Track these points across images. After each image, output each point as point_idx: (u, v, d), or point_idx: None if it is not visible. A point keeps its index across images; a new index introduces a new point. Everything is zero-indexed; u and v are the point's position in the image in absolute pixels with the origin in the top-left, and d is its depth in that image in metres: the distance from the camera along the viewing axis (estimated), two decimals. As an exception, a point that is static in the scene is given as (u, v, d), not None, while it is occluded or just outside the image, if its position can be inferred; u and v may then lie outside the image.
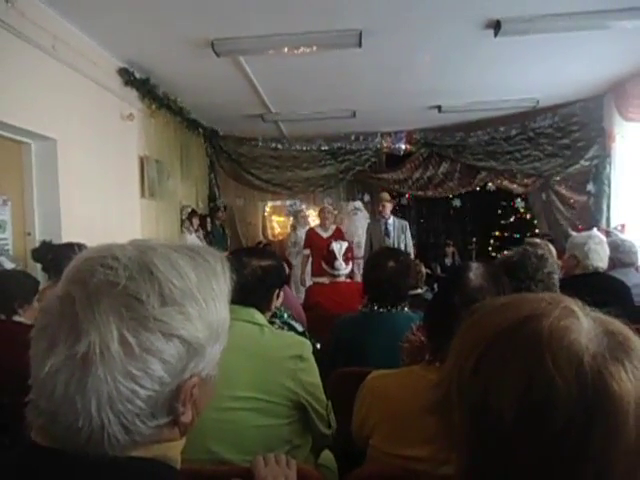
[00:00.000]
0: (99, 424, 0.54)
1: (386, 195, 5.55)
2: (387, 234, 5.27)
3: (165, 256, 0.61)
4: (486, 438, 0.51)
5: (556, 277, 1.88)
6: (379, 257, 2.15)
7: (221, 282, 0.66)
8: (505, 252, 2.12)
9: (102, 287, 0.56)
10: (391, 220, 5.34)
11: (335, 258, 3.61)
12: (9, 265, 2.85)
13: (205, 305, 0.61)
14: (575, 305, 0.55)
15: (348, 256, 3.70)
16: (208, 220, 6.33)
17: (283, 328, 2.25)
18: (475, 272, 1.29)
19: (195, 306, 0.60)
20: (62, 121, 3.49)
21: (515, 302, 0.58)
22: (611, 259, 2.78)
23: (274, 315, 2.36)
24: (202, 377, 0.62)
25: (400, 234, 5.29)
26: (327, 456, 1.67)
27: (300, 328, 2.38)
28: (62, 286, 0.58)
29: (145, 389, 0.56)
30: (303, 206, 7.37)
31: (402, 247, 5.25)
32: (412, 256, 5.30)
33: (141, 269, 0.58)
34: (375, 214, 6.99)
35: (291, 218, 7.36)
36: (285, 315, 2.37)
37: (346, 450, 1.61)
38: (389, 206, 5.39)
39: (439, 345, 1.21)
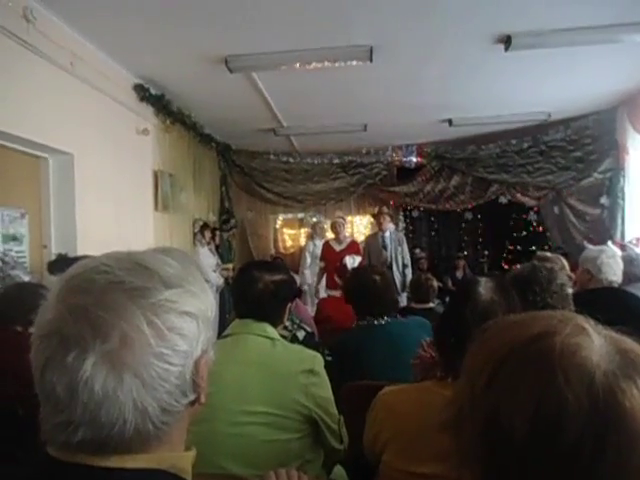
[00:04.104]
0: (142, 411, 0.57)
1: (386, 209, 5.63)
2: (384, 247, 5.28)
3: (147, 254, 0.66)
4: (498, 455, 0.51)
5: (568, 288, 1.87)
6: (364, 273, 2.32)
7: (197, 269, 0.73)
8: (516, 266, 2.15)
9: (108, 287, 0.59)
10: (388, 233, 5.36)
11: (347, 272, 3.62)
12: (23, 278, 2.89)
13: (197, 285, 0.67)
14: (587, 323, 0.55)
15: (360, 271, 3.69)
16: (217, 233, 6.38)
17: (293, 327, 2.32)
18: (485, 286, 1.29)
19: (191, 286, 0.65)
20: (79, 136, 3.56)
21: (527, 320, 0.58)
22: (626, 273, 2.74)
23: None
24: (208, 356, 0.66)
25: (397, 246, 5.30)
26: (339, 471, 1.66)
27: (308, 329, 2.46)
28: (58, 306, 0.58)
29: (175, 366, 0.60)
30: (322, 218, 7.28)
31: (399, 259, 5.25)
32: (409, 267, 5.31)
33: (135, 267, 0.62)
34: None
35: (305, 229, 7.35)
36: (295, 317, 2.45)
37: (358, 465, 1.60)
38: (388, 220, 5.43)
39: (451, 361, 1.21)
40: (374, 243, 5.38)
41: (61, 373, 0.56)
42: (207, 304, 0.67)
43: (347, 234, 5.97)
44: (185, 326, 0.61)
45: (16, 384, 1.58)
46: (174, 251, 0.72)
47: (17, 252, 3.19)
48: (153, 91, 4.53)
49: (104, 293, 0.58)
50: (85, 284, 0.59)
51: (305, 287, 5.62)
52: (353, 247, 5.46)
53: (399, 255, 5.28)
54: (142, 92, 4.40)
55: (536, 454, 0.48)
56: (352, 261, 3.63)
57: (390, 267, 5.18)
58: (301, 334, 2.41)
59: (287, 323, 2.39)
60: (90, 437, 0.57)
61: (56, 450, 0.58)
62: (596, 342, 0.52)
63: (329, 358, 2.27)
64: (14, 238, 3.19)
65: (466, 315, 1.22)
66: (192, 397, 0.63)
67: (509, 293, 1.30)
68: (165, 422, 0.60)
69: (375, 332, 2.09)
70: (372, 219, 6.88)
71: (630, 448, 0.46)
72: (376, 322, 2.11)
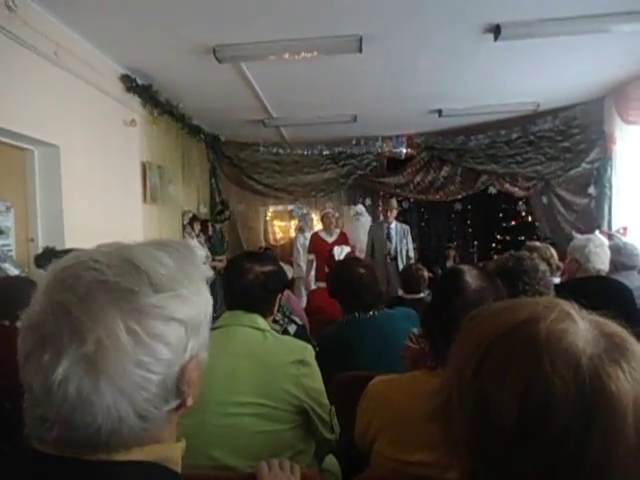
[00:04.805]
0: (117, 417, 0.55)
1: (394, 202, 5.61)
2: (389, 238, 5.30)
3: (141, 249, 0.63)
4: (487, 442, 0.51)
5: (549, 275, 1.93)
6: (348, 266, 2.26)
7: (195, 266, 0.69)
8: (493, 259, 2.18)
9: (93, 287, 0.57)
10: (393, 225, 5.37)
11: (334, 262, 3.62)
12: (14, 271, 2.86)
13: (192, 287, 0.64)
14: (572, 308, 0.56)
15: (349, 262, 3.67)
16: (209, 225, 6.35)
17: (284, 320, 2.32)
18: (470, 274, 1.30)
19: (183, 289, 0.62)
20: (65, 128, 3.50)
21: (512, 306, 0.59)
22: (613, 262, 2.78)
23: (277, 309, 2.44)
24: (198, 360, 0.64)
25: (402, 238, 5.32)
26: (331, 461, 1.67)
27: (299, 322, 2.46)
28: (45, 299, 0.58)
29: (156, 374, 0.58)
30: (310, 209, 7.25)
31: (404, 251, 5.27)
32: (413, 260, 5.34)
33: (125, 264, 0.60)
34: (377, 218, 7.01)
35: (295, 221, 7.33)
36: (285, 309, 2.46)
37: (350, 455, 1.61)
38: (395, 213, 5.45)
39: (442, 350, 1.21)
40: (378, 233, 5.39)
41: (36, 372, 0.56)
42: (200, 308, 0.64)
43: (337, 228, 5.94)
44: (171, 333, 0.59)
45: (2, 378, 1.56)
46: (173, 245, 0.68)
47: (3, 245, 3.15)
48: (140, 82, 4.46)
49: (88, 292, 0.57)
50: (71, 280, 0.58)
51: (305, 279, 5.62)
52: (342, 238, 5.46)
53: (404, 248, 5.31)
54: (129, 83, 4.34)
55: (524, 440, 0.49)
56: (340, 251, 3.61)
57: (394, 259, 5.20)
58: (292, 328, 2.40)
59: (278, 316, 2.38)
60: (65, 436, 0.56)
61: (38, 444, 0.58)
62: (581, 327, 0.53)
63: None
64: (0, 232, 3.15)
65: (457, 305, 1.22)
66: (174, 404, 0.61)
67: (495, 280, 1.31)
68: (144, 428, 0.58)
69: (362, 325, 2.07)
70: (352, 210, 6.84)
71: (616, 432, 0.47)
72: (363, 316, 2.09)
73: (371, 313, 2.09)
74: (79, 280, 0.58)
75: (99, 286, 0.57)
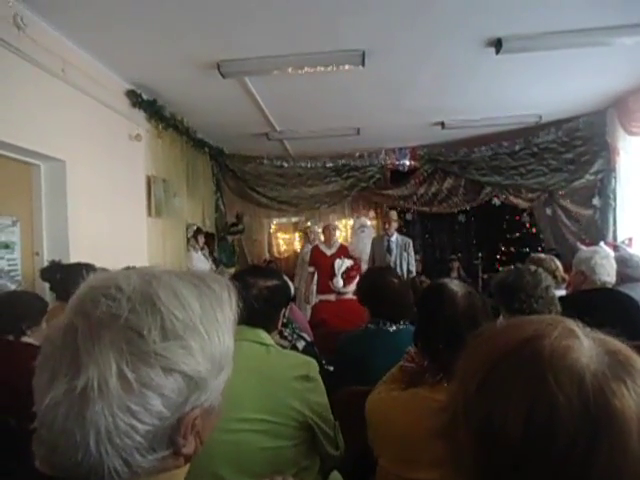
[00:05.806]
0: (98, 458, 0.54)
1: (394, 214, 5.59)
2: (389, 251, 5.29)
3: (169, 286, 0.61)
4: (492, 458, 0.51)
5: (553, 290, 1.89)
6: (382, 274, 2.25)
7: (226, 311, 0.66)
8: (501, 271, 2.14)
9: (104, 320, 0.56)
10: (394, 237, 5.36)
11: (334, 275, 3.60)
12: (10, 287, 2.87)
13: (208, 337, 0.61)
14: (575, 325, 0.56)
15: (350, 274, 3.65)
16: (215, 238, 6.36)
17: (292, 336, 2.31)
18: (453, 283, 1.33)
19: (198, 339, 0.60)
20: (71, 143, 3.54)
21: (517, 324, 0.59)
22: (619, 274, 2.76)
23: (284, 324, 2.41)
24: (205, 408, 0.61)
25: (402, 252, 5.30)
26: (335, 477, 1.65)
27: (308, 338, 2.45)
28: (67, 315, 0.59)
29: (144, 424, 0.55)
30: (316, 221, 7.26)
31: (404, 265, 5.25)
32: (413, 273, 5.32)
33: (144, 301, 0.58)
34: (379, 230, 7.01)
35: (299, 234, 7.35)
36: (295, 326, 2.44)
37: (354, 470, 1.60)
38: (394, 225, 5.42)
39: (443, 364, 1.20)
40: (379, 245, 5.38)
41: (37, 386, 0.57)
42: (213, 361, 0.61)
43: (339, 241, 5.93)
44: (168, 385, 0.56)
45: (7, 394, 1.56)
46: (210, 282, 0.66)
47: (9, 260, 3.17)
48: (145, 97, 4.51)
49: (98, 324, 0.56)
50: (89, 304, 0.58)
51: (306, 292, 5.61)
52: (343, 251, 5.44)
53: (404, 261, 5.29)
54: (134, 98, 4.39)
55: (530, 457, 0.49)
56: (340, 264, 3.60)
57: None
58: (301, 344, 2.38)
59: (286, 332, 2.38)
60: (49, 458, 0.56)
61: (40, 464, 0.58)
62: (585, 344, 0.53)
63: (329, 368, 2.24)
64: (6, 246, 3.17)
65: (451, 314, 1.23)
66: (164, 454, 0.58)
67: (472, 285, 1.32)
68: (127, 472, 0.56)
69: (382, 338, 2.04)
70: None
71: (621, 448, 0.47)
72: (387, 328, 2.07)
73: (395, 327, 2.07)
74: (96, 308, 0.57)
75: (110, 320, 0.57)
